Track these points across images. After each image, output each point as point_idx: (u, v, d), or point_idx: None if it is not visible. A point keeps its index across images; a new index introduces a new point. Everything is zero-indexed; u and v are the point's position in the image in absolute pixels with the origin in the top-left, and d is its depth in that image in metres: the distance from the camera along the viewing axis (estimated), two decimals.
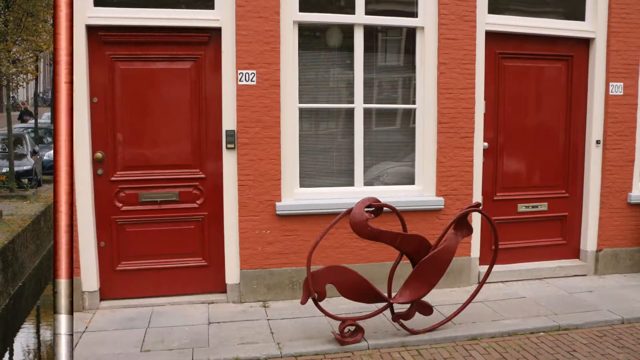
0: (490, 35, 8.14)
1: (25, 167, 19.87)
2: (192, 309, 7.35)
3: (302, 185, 7.78)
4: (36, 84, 31.22)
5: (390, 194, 7.86)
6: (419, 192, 8.05)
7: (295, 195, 7.67)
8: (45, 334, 9.87)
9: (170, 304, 7.47)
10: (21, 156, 20.28)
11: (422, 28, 7.86)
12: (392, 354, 6.23)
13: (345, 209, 6.33)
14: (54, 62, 3.46)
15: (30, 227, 13.38)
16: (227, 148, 7.38)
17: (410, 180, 8.13)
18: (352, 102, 7.83)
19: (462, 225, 6.61)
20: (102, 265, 7.47)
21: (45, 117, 37.90)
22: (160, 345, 6.33)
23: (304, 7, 7.56)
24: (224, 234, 7.54)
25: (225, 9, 7.30)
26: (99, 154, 7.30)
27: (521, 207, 8.67)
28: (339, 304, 7.35)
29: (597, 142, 8.65)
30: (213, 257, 7.66)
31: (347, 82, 7.87)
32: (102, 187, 7.37)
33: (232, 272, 7.56)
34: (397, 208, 6.49)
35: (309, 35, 7.75)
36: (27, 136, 22.47)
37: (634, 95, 8.64)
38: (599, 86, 8.60)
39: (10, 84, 22.15)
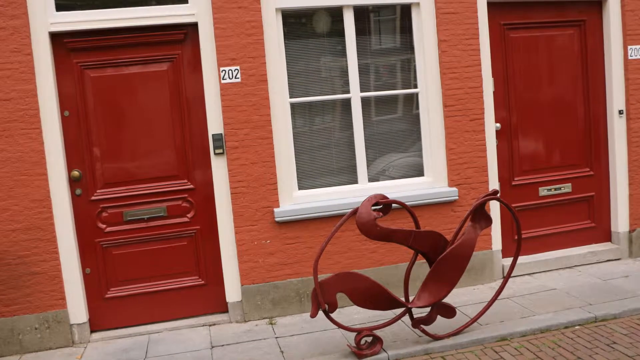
0: (492, 6, 8.17)
1: None
2: (192, 333, 7.37)
3: (300, 188, 7.81)
4: None
5: (399, 189, 7.88)
6: (430, 183, 8.07)
7: (295, 199, 7.69)
8: None
9: (168, 329, 7.49)
10: None
11: (418, 4, 7.88)
12: None
13: (350, 210, 6.35)
14: None
15: None
16: (215, 154, 7.41)
17: (418, 171, 8.15)
18: (348, 92, 7.85)
19: (479, 216, 6.63)
20: (90, 294, 7.48)
21: None
22: None
23: None
24: (220, 248, 7.55)
25: (200, 2, 7.30)
26: (75, 172, 7.32)
27: (543, 191, 8.70)
28: (353, 314, 7.38)
29: (620, 112, 8.68)
30: (210, 274, 7.68)
31: (341, 70, 7.89)
32: (82, 208, 7.39)
33: (233, 289, 7.58)
34: (407, 203, 6.52)
35: (294, 23, 7.76)
36: None
37: None
38: (616, 51, 8.63)
39: None
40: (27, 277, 7.13)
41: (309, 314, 6.63)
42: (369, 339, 6.51)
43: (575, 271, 8.50)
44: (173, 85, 7.43)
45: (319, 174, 7.89)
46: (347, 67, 7.83)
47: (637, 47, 8.57)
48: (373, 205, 6.16)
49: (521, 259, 8.37)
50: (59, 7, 7.16)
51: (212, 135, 7.39)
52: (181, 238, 7.60)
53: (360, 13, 7.89)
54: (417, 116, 8.10)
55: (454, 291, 7.12)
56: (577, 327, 6.80)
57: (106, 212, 7.45)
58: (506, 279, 6.96)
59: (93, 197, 7.41)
